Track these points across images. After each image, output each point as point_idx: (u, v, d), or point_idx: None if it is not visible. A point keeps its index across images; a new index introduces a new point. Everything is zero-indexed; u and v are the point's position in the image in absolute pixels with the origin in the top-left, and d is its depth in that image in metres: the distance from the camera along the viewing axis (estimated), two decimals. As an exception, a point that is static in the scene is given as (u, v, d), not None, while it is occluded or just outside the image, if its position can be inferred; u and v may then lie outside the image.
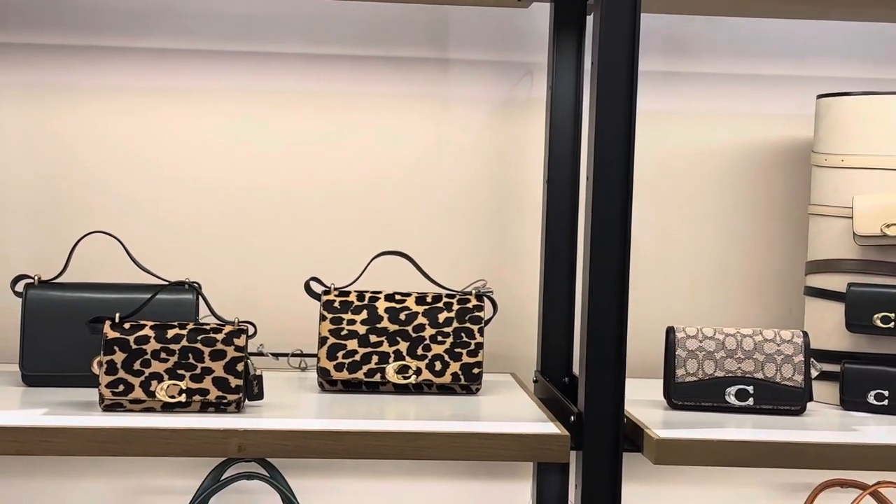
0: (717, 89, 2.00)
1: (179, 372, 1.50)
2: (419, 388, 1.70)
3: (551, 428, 1.49)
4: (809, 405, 1.64)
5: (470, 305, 1.72)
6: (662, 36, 1.99)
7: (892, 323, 1.65)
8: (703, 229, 2.01)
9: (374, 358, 1.69)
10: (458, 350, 1.70)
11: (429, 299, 1.72)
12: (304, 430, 1.43)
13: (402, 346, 1.70)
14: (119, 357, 1.50)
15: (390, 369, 1.69)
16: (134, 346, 1.51)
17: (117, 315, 1.53)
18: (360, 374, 1.68)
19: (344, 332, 1.70)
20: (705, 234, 2.01)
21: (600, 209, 1.48)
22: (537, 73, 1.97)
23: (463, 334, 1.70)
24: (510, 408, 1.65)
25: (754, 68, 1.99)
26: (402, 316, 1.71)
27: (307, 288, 1.74)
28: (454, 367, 1.69)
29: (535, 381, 1.87)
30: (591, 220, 1.48)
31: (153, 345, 1.51)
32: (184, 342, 1.51)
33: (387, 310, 1.71)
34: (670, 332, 1.64)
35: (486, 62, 1.98)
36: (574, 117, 1.83)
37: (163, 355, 1.51)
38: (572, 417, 1.50)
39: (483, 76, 1.98)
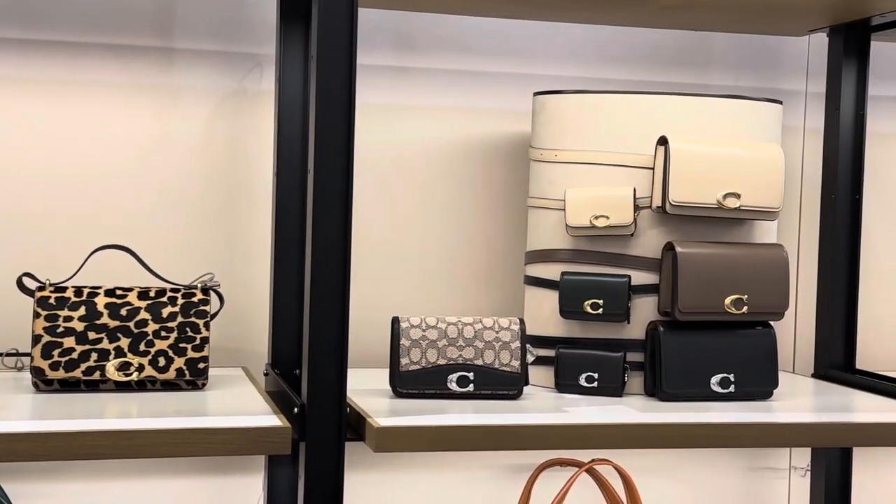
0: (443, 85, 2.04)
1: None
2: (142, 385, 1.65)
3: (274, 420, 1.49)
4: (526, 389, 1.70)
5: (195, 300, 1.69)
6: (392, 32, 2.02)
7: (601, 309, 1.74)
8: (432, 221, 2.05)
9: (94, 355, 1.63)
10: (182, 345, 1.66)
11: (152, 294, 1.68)
12: (7, 433, 1.36)
13: (124, 342, 1.65)
14: None
15: (111, 366, 1.63)
16: None
17: None
18: (77, 373, 1.62)
19: (60, 330, 1.63)
20: (434, 225, 2.05)
21: (321, 201, 1.48)
22: (267, 65, 1.95)
23: (188, 329, 1.67)
24: (236, 402, 1.63)
25: (478, 65, 2.05)
26: (124, 311, 1.66)
27: (20, 284, 1.66)
28: (179, 362, 1.66)
29: (265, 375, 1.86)
30: (312, 212, 1.48)
31: None
32: None
33: (107, 305, 1.66)
34: (395, 322, 1.67)
35: (214, 52, 1.95)
36: (302, 110, 1.83)
37: None
38: (296, 409, 1.51)
39: (211, 67, 1.94)
